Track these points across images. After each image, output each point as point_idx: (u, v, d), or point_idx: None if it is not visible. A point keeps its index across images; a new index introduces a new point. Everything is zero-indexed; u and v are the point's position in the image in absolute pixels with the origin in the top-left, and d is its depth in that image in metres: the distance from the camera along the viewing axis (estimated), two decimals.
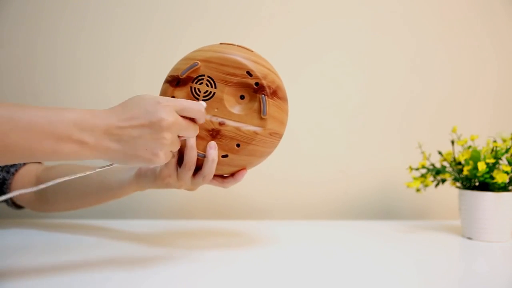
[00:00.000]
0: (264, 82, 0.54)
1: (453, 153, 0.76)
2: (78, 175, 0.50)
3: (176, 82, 0.55)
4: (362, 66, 0.97)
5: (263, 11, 0.94)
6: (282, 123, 0.56)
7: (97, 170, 0.51)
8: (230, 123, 0.54)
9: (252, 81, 0.54)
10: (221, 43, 0.56)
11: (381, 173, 0.96)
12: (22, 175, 0.71)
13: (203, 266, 0.54)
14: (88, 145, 0.43)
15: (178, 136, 0.49)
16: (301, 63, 0.95)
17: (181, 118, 0.47)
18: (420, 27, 0.98)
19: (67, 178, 0.49)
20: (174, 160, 0.56)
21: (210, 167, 0.54)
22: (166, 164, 0.57)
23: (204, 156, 0.54)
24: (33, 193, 0.71)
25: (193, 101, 0.51)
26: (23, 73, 0.92)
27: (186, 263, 0.55)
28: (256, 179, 0.93)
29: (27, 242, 0.66)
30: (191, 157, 0.54)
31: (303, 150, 0.95)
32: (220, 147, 0.54)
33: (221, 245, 0.66)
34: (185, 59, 0.55)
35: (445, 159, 0.77)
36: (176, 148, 0.49)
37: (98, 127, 0.43)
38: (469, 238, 0.72)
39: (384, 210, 0.96)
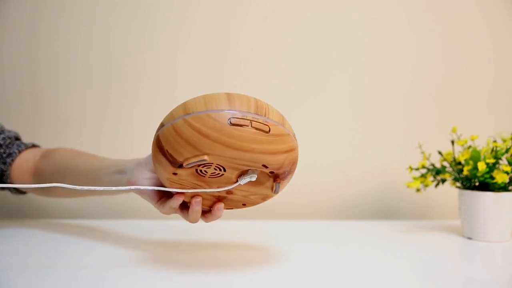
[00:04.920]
0: (280, 171, 0.48)
1: (453, 153, 0.76)
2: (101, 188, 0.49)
3: (178, 165, 0.46)
4: (361, 66, 0.97)
5: (262, 9, 0.94)
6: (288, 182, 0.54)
7: (103, 189, 0.49)
8: (238, 192, 0.51)
9: (267, 170, 0.48)
10: (231, 123, 0.44)
11: (381, 173, 0.96)
12: (19, 164, 0.71)
13: (201, 267, 0.54)
14: None
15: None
16: (299, 63, 0.95)
17: None
18: (420, 26, 0.98)
19: (96, 188, 0.48)
20: (177, 209, 0.53)
21: (213, 220, 0.54)
22: (169, 208, 0.53)
23: (209, 211, 0.53)
24: (32, 179, 0.70)
25: None
26: (23, 73, 0.92)
27: (183, 264, 0.55)
28: None
29: (24, 243, 0.66)
30: (195, 218, 0.53)
31: (302, 150, 0.95)
32: (226, 205, 0.54)
33: (220, 245, 0.66)
34: (187, 142, 0.45)
35: (445, 159, 0.77)
36: None
37: None
38: (469, 238, 0.72)
39: (384, 210, 0.96)
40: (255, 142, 0.44)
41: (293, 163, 0.49)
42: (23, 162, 0.71)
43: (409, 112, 0.97)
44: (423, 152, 0.79)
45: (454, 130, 0.77)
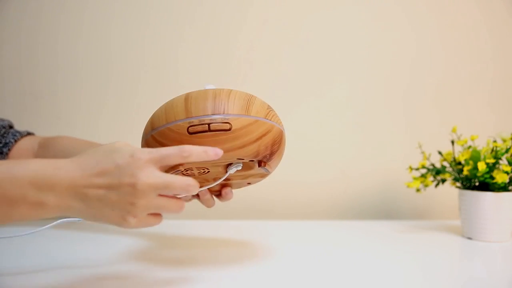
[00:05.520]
0: (259, 158, 0.48)
1: (453, 153, 0.76)
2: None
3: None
4: (361, 66, 0.97)
5: (263, 9, 0.94)
6: (282, 156, 0.53)
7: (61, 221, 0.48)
8: (236, 178, 0.53)
9: (246, 161, 0.48)
10: (190, 133, 0.44)
11: (381, 173, 0.96)
12: (17, 154, 0.69)
13: (201, 266, 0.54)
14: (47, 205, 0.38)
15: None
16: (300, 63, 0.95)
17: (162, 176, 0.39)
18: (420, 25, 0.98)
19: None
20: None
21: (227, 200, 0.55)
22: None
23: (219, 194, 0.55)
24: None
25: (175, 150, 0.40)
26: (23, 73, 0.92)
27: (183, 264, 0.55)
28: None
29: (16, 243, 0.66)
30: (209, 204, 0.54)
31: (303, 150, 0.95)
32: (232, 187, 0.55)
33: (221, 245, 0.66)
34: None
35: (445, 159, 0.77)
36: (163, 209, 0.41)
37: (60, 184, 0.38)
38: (469, 238, 0.72)
39: (384, 210, 0.96)
40: (218, 144, 0.43)
41: (272, 144, 0.48)
42: (21, 151, 0.69)
43: (409, 112, 0.97)
44: (423, 152, 0.79)
45: (454, 130, 0.77)
